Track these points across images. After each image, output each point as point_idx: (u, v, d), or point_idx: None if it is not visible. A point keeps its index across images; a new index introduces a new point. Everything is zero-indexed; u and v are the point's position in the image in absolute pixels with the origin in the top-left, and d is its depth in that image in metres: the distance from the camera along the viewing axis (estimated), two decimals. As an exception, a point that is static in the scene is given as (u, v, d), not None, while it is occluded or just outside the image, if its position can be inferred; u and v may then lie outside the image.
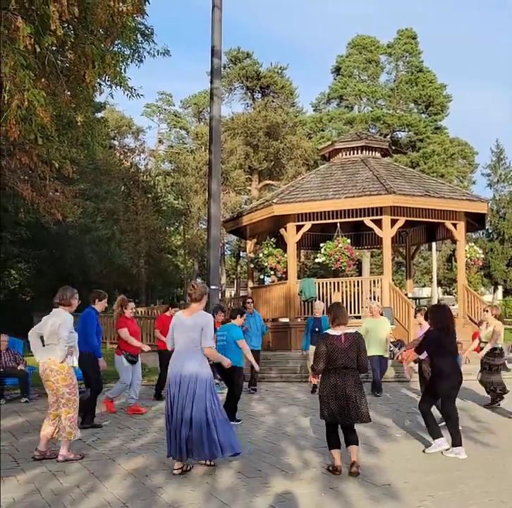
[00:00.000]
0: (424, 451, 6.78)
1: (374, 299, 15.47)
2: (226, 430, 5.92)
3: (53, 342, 6.50)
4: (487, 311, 9.88)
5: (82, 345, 7.89)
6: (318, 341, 6.13)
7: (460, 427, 6.70)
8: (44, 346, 6.64)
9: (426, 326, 10.69)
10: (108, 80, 10.75)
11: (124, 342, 9.54)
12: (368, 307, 12.51)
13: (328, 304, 15.99)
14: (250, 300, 12.61)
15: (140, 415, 9.28)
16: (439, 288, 46.04)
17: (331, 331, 6.01)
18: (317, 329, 11.79)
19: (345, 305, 15.83)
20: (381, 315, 11.92)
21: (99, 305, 8.74)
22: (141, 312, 23.76)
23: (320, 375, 6.06)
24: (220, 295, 18.09)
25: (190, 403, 5.79)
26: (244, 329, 11.93)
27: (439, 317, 6.83)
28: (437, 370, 6.69)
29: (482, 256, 18.39)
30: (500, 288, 51.85)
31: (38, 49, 8.38)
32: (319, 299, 15.92)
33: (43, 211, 15.59)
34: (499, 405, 9.47)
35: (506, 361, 9.77)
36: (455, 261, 18.07)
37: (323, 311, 12.34)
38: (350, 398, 5.84)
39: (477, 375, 9.81)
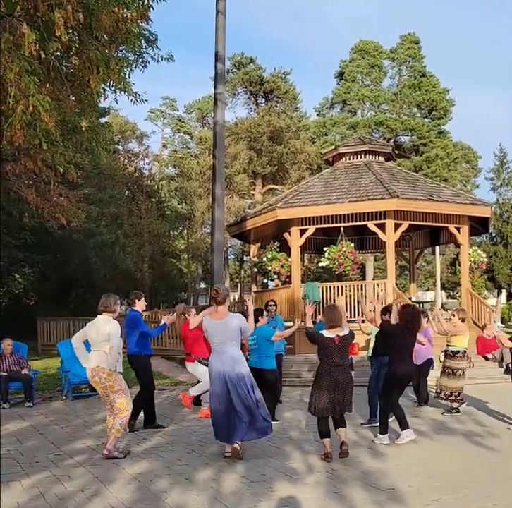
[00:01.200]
0: (394, 442, 7.23)
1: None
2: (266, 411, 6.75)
3: (102, 349, 6.59)
4: (454, 315, 9.71)
5: (131, 348, 8.24)
6: (315, 331, 6.79)
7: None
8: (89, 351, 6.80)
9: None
10: (112, 86, 10.81)
11: (195, 347, 9.44)
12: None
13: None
14: (272, 303, 11.97)
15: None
16: (443, 291, 45.94)
17: (325, 333, 6.57)
18: None
19: (349, 309, 15.84)
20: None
21: (141, 305, 8.63)
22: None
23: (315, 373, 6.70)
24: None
25: (239, 390, 6.44)
26: None
27: (406, 314, 7.28)
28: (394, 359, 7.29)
29: (486, 260, 18.36)
30: (504, 292, 51.72)
31: (43, 55, 8.44)
32: (324, 303, 15.94)
33: (47, 215, 15.66)
34: (458, 411, 9.23)
35: (468, 366, 9.57)
36: (459, 265, 18.04)
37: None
38: (346, 391, 6.54)
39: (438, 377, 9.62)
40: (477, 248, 18.72)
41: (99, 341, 6.61)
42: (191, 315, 9.59)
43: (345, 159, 18.71)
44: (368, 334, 10.25)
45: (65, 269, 25.86)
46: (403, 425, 7.32)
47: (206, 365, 9.21)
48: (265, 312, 9.54)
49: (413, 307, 7.63)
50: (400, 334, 7.22)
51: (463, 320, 9.58)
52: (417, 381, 9.86)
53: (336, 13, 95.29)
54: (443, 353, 9.69)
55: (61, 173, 12.58)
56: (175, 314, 9.28)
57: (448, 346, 9.49)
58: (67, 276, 25.89)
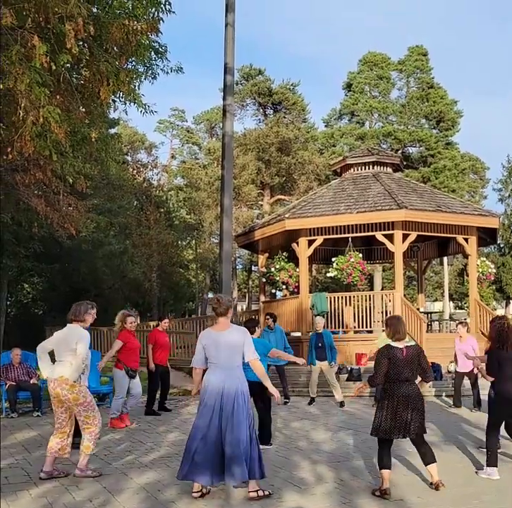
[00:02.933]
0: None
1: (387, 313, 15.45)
2: (260, 451, 5.74)
3: (66, 359, 6.28)
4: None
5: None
6: (378, 352, 5.97)
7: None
8: (53, 362, 6.46)
9: (467, 338, 11.00)
10: (122, 97, 10.90)
11: (125, 356, 9.56)
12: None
13: (339, 318, 16.00)
14: (268, 316, 12.18)
15: (122, 428, 9.30)
16: (451, 302, 45.77)
17: (393, 344, 5.90)
18: (319, 345, 11.78)
19: (357, 319, 15.82)
20: (325, 327, 12.35)
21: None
22: (153, 326, 23.78)
23: (379, 389, 5.94)
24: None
25: (232, 421, 5.51)
26: None
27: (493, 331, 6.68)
28: None
29: (494, 270, 18.33)
30: (512, 303, 51.43)
31: (54, 67, 8.54)
32: (332, 314, 15.95)
33: (56, 225, 15.73)
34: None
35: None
36: (467, 275, 18.00)
37: (324, 326, 12.48)
38: (415, 410, 5.77)
39: None
40: (485, 258, 18.67)
41: (65, 351, 6.30)
42: (127, 323, 9.70)
43: (354, 170, 18.74)
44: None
45: (73, 278, 25.97)
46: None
47: (132, 378, 9.46)
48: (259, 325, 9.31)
49: (499, 321, 6.79)
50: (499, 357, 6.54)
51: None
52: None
53: (344, 24, 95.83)
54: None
55: (70, 183, 12.63)
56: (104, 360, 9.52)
57: None
58: (75, 286, 25.97)
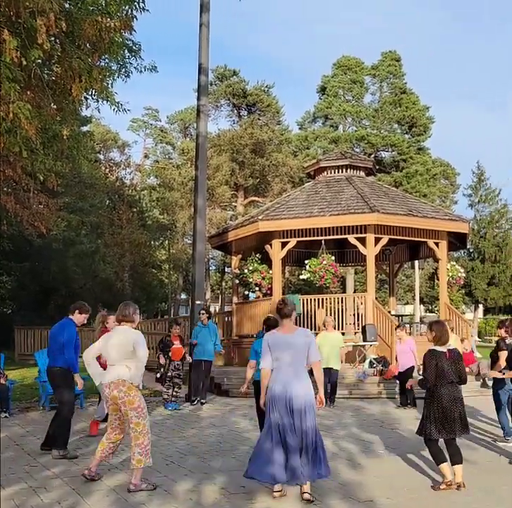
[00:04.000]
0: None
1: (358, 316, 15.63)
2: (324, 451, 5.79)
3: (121, 362, 5.97)
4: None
5: (57, 359, 7.63)
6: (425, 355, 6.17)
7: None
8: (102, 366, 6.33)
9: (406, 341, 11.64)
10: (94, 95, 10.79)
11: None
12: (323, 322, 13.15)
13: (312, 320, 16.07)
14: (203, 311, 12.73)
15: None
16: (422, 305, 46.32)
17: (437, 348, 6.09)
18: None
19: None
20: (334, 328, 12.67)
21: (79, 318, 7.92)
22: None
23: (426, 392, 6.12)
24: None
25: (304, 420, 5.54)
26: (194, 343, 12.23)
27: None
28: None
29: (464, 275, 18.59)
30: (480, 307, 52.30)
31: (24, 62, 8.40)
32: (304, 315, 16.02)
33: (26, 223, 15.52)
34: None
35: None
36: (438, 279, 18.24)
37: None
38: (461, 410, 6.02)
39: None
40: (455, 263, 18.93)
41: (119, 354, 5.99)
42: (109, 323, 9.13)
43: (327, 173, 18.85)
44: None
45: (43, 277, 25.61)
46: None
47: None
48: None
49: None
50: None
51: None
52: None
53: (319, 28, 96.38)
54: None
55: (40, 181, 12.47)
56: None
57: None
58: (45, 285, 25.63)
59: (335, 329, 12.66)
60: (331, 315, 15.73)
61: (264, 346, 5.79)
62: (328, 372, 11.77)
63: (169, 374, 11.80)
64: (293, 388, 5.56)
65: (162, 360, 11.81)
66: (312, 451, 5.54)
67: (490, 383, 10.20)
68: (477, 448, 7.89)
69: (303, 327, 15.86)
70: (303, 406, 5.54)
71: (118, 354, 5.99)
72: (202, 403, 12.03)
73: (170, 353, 11.81)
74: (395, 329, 12.54)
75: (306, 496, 5.52)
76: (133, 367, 5.96)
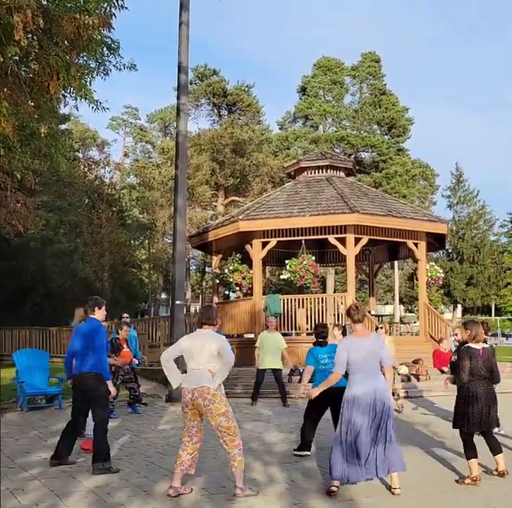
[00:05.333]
0: None
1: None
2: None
3: (204, 366, 5.74)
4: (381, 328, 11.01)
5: (88, 364, 6.87)
6: (461, 352, 6.47)
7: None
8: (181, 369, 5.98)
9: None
10: (73, 92, 10.66)
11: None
12: (266, 322, 13.24)
13: (292, 319, 16.09)
14: (126, 315, 12.94)
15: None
16: (401, 305, 46.69)
17: (473, 346, 6.35)
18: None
19: (309, 321, 15.96)
20: (276, 329, 12.52)
21: (101, 314, 7.22)
22: (106, 326, 23.45)
23: (460, 387, 6.40)
24: (185, 310, 17.98)
25: (384, 419, 5.81)
26: None
27: None
28: None
29: (442, 275, 18.75)
30: (459, 307, 52.87)
31: (1, 59, 8.29)
32: (285, 315, 16.04)
33: (4, 222, 15.33)
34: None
35: None
36: (417, 279, 18.39)
37: (276, 328, 12.79)
38: (493, 405, 6.31)
39: None
40: (434, 263, 19.10)
41: (201, 358, 5.75)
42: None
43: (307, 173, 18.90)
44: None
45: (21, 277, 25.33)
46: None
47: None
48: None
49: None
50: None
51: (387, 332, 10.67)
52: None
53: (299, 29, 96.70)
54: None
55: (18, 179, 12.30)
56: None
57: None
58: (23, 285, 25.35)
59: (276, 330, 12.59)
60: (311, 315, 15.81)
61: (341, 351, 5.98)
62: (271, 372, 11.93)
63: (119, 381, 10.77)
64: (376, 389, 5.83)
65: (120, 362, 10.70)
66: (389, 446, 5.83)
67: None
68: (456, 445, 7.95)
69: (283, 326, 15.94)
70: (387, 406, 5.85)
71: (203, 358, 5.78)
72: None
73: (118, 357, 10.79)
74: (376, 329, 12.58)
75: (397, 491, 5.79)
76: (218, 372, 5.78)
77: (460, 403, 6.37)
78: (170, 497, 5.60)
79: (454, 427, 6.49)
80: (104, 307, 7.21)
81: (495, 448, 6.34)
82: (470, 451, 6.24)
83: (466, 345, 6.43)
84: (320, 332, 7.80)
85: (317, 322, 15.77)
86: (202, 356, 5.76)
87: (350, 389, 5.92)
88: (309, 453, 7.45)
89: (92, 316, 7.11)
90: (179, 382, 5.88)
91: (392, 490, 5.78)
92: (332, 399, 6.92)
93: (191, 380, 5.74)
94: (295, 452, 7.43)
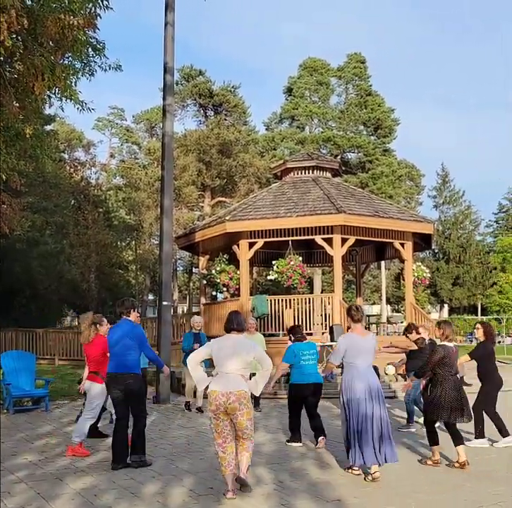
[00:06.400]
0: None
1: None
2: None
3: (237, 371, 5.84)
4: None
5: (130, 365, 7.03)
6: (435, 350, 7.09)
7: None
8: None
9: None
10: (58, 93, 10.63)
11: (102, 366, 7.74)
12: (246, 323, 13.00)
13: (279, 320, 16.10)
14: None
15: (86, 456, 7.53)
16: (388, 305, 46.88)
17: (447, 344, 6.98)
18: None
19: (297, 322, 15.98)
20: (256, 330, 12.31)
21: (136, 317, 7.50)
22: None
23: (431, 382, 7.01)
24: (172, 310, 17.95)
25: (380, 411, 6.39)
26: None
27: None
28: None
29: (429, 275, 18.84)
30: (446, 307, 53.20)
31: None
32: (272, 316, 16.05)
33: (-12, 224, 15.19)
34: None
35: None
36: (403, 279, 18.45)
37: (257, 328, 12.61)
38: (464, 399, 6.88)
39: None
40: (420, 263, 19.19)
41: (234, 362, 5.84)
42: (103, 326, 8.26)
43: (294, 174, 18.92)
44: None
45: (6, 278, 25.11)
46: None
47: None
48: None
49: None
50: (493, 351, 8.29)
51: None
52: None
53: (285, 29, 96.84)
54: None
55: (3, 180, 12.20)
56: None
57: None
58: (9, 286, 25.12)
59: (257, 331, 12.43)
60: (298, 315, 15.82)
61: (341, 347, 6.56)
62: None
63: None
64: (372, 382, 6.46)
65: None
66: (387, 435, 6.39)
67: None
68: (441, 446, 8.00)
69: (271, 327, 15.96)
70: (382, 396, 6.47)
71: (236, 364, 5.85)
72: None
73: None
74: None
75: (377, 474, 6.31)
76: (259, 378, 6.07)
77: (431, 395, 6.93)
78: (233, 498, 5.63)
79: (425, 417, 7.05)
80: (137, 310, 7.64)
81: (458, 438, 6.82)
82: (434, 438, 6.93)
83: (443, 344, 7.00)
84: (296, 332, 8.49)
85: (305, 322, 15.83)
86: (234, 361, 5.84)
87: (347, 381, 6.51)
88: (301, 444, 8.02)
89: (128, 318, 7.31)
90: (206, 385, 5.95)
91: (373, 475, 6.27)
92: (310, 394, 7.92)
93: (226, 384, 5.77)
94: (290, 443, 8.05)
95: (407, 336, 9.15)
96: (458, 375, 7.04)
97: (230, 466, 5.80)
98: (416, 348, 8.98)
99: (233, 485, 5.75)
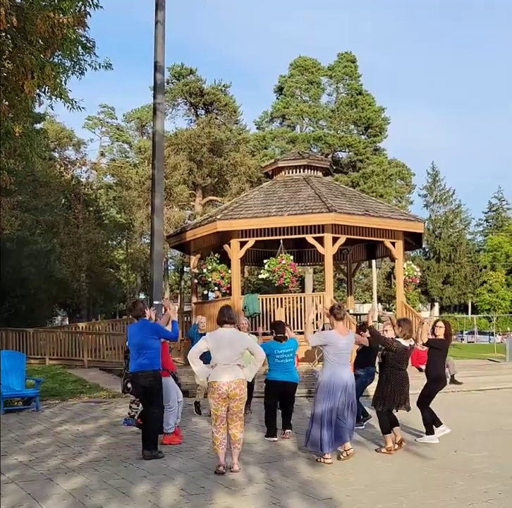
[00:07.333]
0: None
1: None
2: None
3: (235, 362, 6.49)
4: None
5: (146, 363, 7.27)
6: (393, 339, 7.61)
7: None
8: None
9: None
10: (48, 92, 10.58)
11: (165, 358, 7.96)
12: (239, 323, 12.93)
13: (271, 319, 16.10)
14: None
15: (179, 444, 8.10)
16: (379, 304, 47.03)
17: (402, 342, 7.51)
18: None
19: (287, 320, 16.00)
20: (248, 331, 11.92)
21: (149, 314, 7.71)
22: (82, 327, 23.29)
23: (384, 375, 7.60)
24: (163, 310, 17.90)
25: (351, 400, 7.04)
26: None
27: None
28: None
29: (419, 274, 18.91)
30: (436, 305, 53.42)
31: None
32: (263, 315, 16.04)
33: (-21, 223, 15.12)
34: None
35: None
36: (394, 278, 18.54)
37: (248, 328, 12.26)
38: (405, 391, 7.50)
39: None
40: (411, 262, 19.26)
41: (231, 354, 6.47)
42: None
43: (285, 173, 18.94)
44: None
45: (-4, 278, 24.99)
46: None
47: (175, 379, 8.49)
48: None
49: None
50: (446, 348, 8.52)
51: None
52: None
53: (276, 28, 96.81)
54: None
55: (-8, 179, 12.15)
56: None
57: None
58: (-2, 286, 24.99)
59: (248, 331, 12.26)
60: (290, 314, 15.84)
61: (323, 336, 7.18)
62: None
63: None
64: (347, 376, 7.06)
65: None
66: (352, 417, 7.13)
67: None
68: (432, 444, 8.04)
69: (262, 326, 15.95)
70: (352, 389, 7.09)
71: (232, 355, 6.48)
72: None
73: None
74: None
75: (351, 451, 7.15)
76: (252, 367, 6.64)
77: (380, 389, 7.55)
78: (218, 474, 6.40)
79: (373, 404, 7.65)
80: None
81: (394, 422, 7.52)
82: (386, 427, 7.43)
83: (397, 340, 7.54)
84: (277, 329, 8.74)
85: (296, 321, 15.85)
86: (230, 353, 6.46)
87: (326, 375, 7.03)
88: (276, 439, 8.26)
89: (146, 318, 7.59)
90: (205, 377, 6.56)
91: (347, 451, 7.08)
92: (282, 391, 8.37)
93: (227, 374, 6.44)
94: (266, 438, 8.31)
95: (360, 334, 9.26)
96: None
97: (222, 445, 6.56)
98: (367, 345, 9.09)
99: (224, 460, 6.51)
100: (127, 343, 7.89)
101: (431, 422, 8.10)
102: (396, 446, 7.42)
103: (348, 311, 17.17)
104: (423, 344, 8.23)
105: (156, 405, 7.44)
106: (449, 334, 8.37)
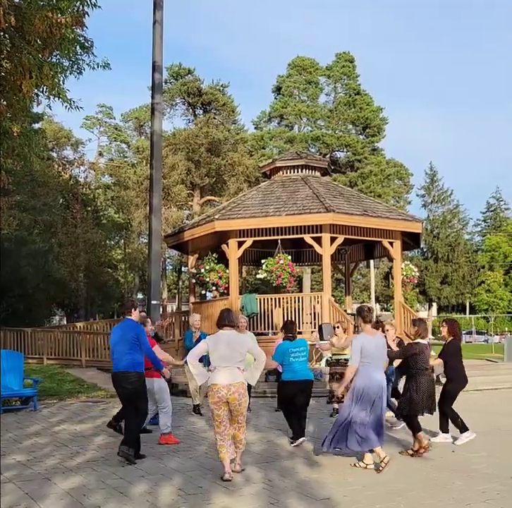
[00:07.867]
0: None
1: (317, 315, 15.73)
2: None
3: (235, 364, 6.36)
4: (338, 327, 10.73)
5: (129, 363, 7.22)
6: (409, 344, 7.68)
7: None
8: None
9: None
10: (46, 91, 10.57)
11: (153, 359, 7.87)
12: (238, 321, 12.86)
13: (269, 319, 16.12)
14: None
15: (177, 444, 8.12)
16: (377, 304, 47.07)
17: (421, 341, 7.45)
18: None
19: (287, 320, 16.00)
20: (247, 329, 11.86)
21: (137, 315, 7.58)
22: (80, 327, 23.27)
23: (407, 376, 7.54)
24: (161, 310, 17.92)
25: (381, 403, 6.90)
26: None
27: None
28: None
29: (417, 274, 18.92)
30: (434, 305, 53.47)
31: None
32: (261, 315, 16.04)
33: (-24, 223, 15.10)
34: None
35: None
36: (392, 278, 18.54)
37: (247, 327, 12.13)
38: (435, 392, 7.46)
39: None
40: (409, 262, 19.27)
41: (231, 356, 6.34)
42: (147, 326, 8.64)
43: (283, 173, 18.94)
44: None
45: (-6, 278, 24.97)
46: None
47: (169, 381, 8.58)
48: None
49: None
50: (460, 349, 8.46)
51: (345, 331, 10.77)
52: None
53: (274, 28, 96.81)
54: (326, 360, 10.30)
55: (-10, 179, 12.13)
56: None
57: (336, 354, 10.49)
58: (-4, 286, 24.97)
59: (247, 329, 12.13)
60: (288, 314, 15.83)
61: (357, 348, 6.87)
62: None
63: None
64: (380, 378, 6.92)
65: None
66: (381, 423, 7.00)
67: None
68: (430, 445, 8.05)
69: (260, 326, 15.97)
70: (384, 392, 6.97)
71: (233, 357, 6.36)
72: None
73: None
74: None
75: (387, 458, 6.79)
76: (254, 370, 6.56)
77: (407, 392, 7.37)
78: (225, 481, 6.17)
79: (401, 413, 7.56)
80: (139, 309, 7.75)
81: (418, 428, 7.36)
82: (418, 427, 7.30)
83: (416, 340, 7.46)
84: (287, 329, 8.53)
85: (295, 321, 15.83)
86: (230, 355, 6.35)
87: (361, 379, 6.85)
88: (305, 438, 7.95)
89: (130, 317, 7.47)
90: (205, 380, 6.48)
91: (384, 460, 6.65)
92: (299, 391, 7.96)
93: (226, 377, 6.31)
94: (294, 443, 7.84)
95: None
96: (434, 374, 7.30)
97: (228, 453, 6.42)
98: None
99: (229, 467, 6.33)
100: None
101: (461, 419, 8.02)
102: (418, 450, 7.28)
103: (345, 311, 17.23)
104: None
105: (140, 406, 7.32)
106: (454, 331, 8.28)
